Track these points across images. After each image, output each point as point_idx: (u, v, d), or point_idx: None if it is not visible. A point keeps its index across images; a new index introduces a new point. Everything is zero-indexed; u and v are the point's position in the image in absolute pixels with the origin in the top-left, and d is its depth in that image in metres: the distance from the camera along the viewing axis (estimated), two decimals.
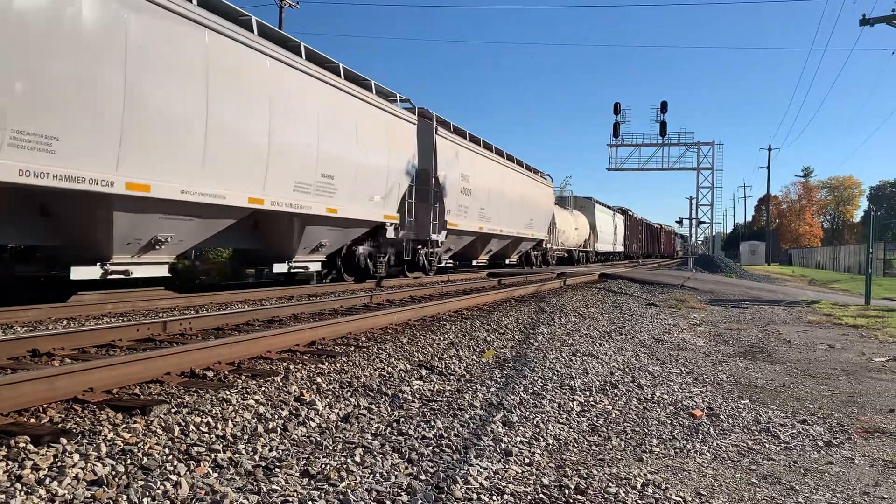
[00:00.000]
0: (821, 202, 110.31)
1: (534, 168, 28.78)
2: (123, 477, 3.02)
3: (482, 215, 21.59)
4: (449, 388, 5.34)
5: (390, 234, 15.91)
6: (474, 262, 24.08)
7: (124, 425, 3.69)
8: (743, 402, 5.57)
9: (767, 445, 4.39)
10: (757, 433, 4.65)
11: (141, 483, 2.96)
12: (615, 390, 5.73)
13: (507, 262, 27.45)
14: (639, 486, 3.44)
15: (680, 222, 60.45)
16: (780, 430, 4.72)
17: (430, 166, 17.58)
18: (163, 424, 3.76)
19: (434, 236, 18.16)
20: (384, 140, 15.06)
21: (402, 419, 4.33)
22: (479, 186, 21.11)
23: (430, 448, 3.80)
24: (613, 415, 4.94)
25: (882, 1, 49.27)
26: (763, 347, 8.83)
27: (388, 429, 4.11)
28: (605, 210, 50.92)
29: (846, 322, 12.25)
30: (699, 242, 53.03)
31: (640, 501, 3.24)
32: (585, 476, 3.54)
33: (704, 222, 48.18)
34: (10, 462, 3.06)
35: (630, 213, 62.98)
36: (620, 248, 57.42)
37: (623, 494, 3.30)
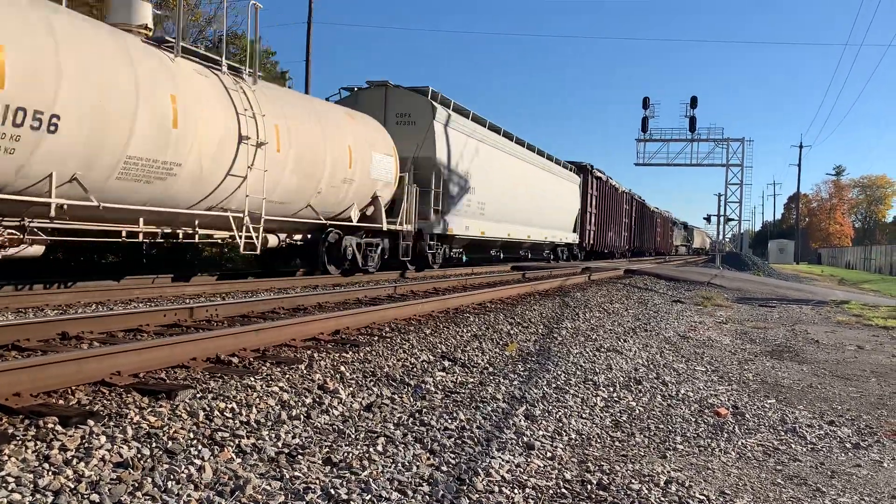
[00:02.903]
0: (852, 201, 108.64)
1: None
2: (149, 460, 3.05)
3: None
4: (472, 380, 5.34)
5: None
6: None
7: (150, 409, 3.73)
8: (769, 401, 5.50)
9: (794, 446, 4.33)
10: (783, 433, 4.59)
11: (166, 466, 2.99)
12: (639, 386, 5.68)
13: None
14: (662, 483, 3.41)
15: (708, 219, 59.05)
16: (806, 431, 4.65)
17: None
18: (188, 409, 3.79)
19: None
20: None
21: (425, 410, 4.33)
22: None
23: (453, 439, 3.79)
24: (637, 411, 4.90)
25: None
26: (790, 347, 8.71)
27: (411, 419, 4.11)
28: (497, 140, 22.43)
29: (876, 323, 12.04)
30: (727, 240, 52.43)
31: (663, 499, 3.21)
32: (608, 472, 3.51)
33: (733, 219, 47.72)
34: (38, 442, 3.11)
35: (597, 172, 35.27)
36: (570, 237, 31.34)
37: (646, 491, 3.27)
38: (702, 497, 3.27)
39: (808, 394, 5.93)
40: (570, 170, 32.10)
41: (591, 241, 34.56)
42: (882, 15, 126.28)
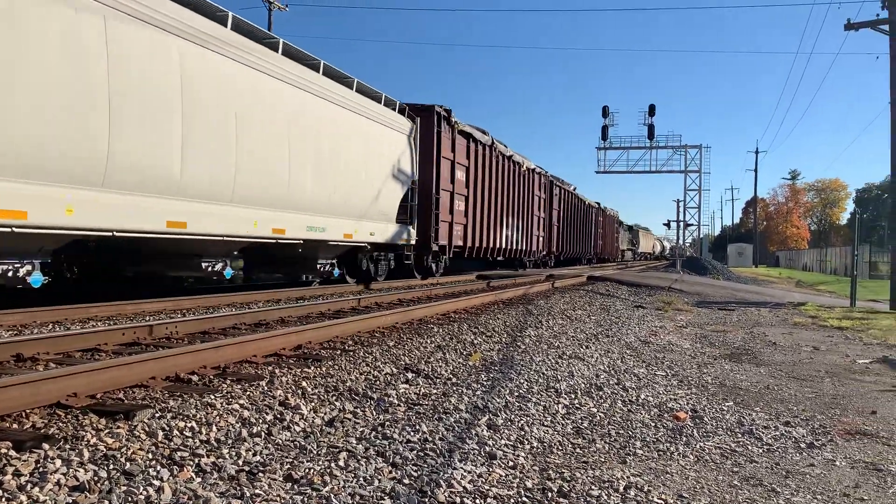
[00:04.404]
0: (808, 204, 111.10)
1: None
2: (106, 482, 3.01)
3: None
4: (435, 391, 5.35)
5: None
6: None
7: (107, 430, 3.68)
8: (727, 404, 5.61)
9: (750, 447, 4.42)
10: (740, 435, 4.69)
11: (123, 488, 2.95)
12: (600, 393, 5.75)
13: None
14: (621, 488, 3.46)
15: (668, 224, 59.63)
16: (763, 433, 4.75)
17: None
18: (146, 429, 3.75)
19: None
20: None
21: (388, 423, 4.33)
22: None
23: (415, 452, 3.80)
24: (598, 417, 4.96)
25: (867, 6, 49.75)
26: (748, 349, 8.89)
27: (373, 433, 4.11)
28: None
29: (831, 324, 12.34)
30: (687, 244, 53.24)
31: None
32: (569, 479, 3.55)
33: (692, 225, 48.52)
34: None
35: (465, 127, 20.47)
36: (389, 231, 16.20)
37: (605, 497, 3.32)
38: (660, 501, 3.32)
39: (765, 395, 6.05)
40: (393, 108, 16.65)
41: (461, 241, 20.91)
42: (830, 25, 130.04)
